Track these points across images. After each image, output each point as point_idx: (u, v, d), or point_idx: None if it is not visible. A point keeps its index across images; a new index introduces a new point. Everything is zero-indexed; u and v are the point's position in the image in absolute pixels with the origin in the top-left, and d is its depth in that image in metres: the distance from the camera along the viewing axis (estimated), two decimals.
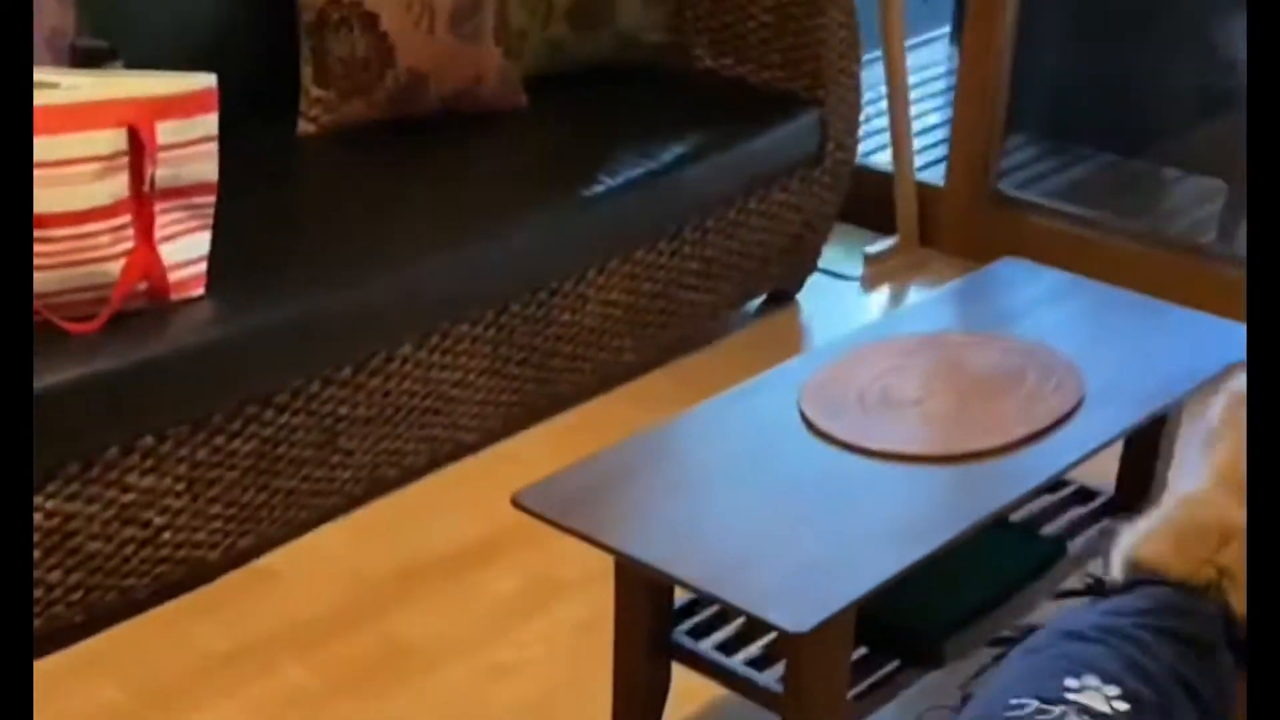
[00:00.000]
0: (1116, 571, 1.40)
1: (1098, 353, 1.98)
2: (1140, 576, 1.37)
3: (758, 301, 3.12)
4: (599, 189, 2.64)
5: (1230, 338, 2.02)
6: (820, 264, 3.14)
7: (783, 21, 2.91)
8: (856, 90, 2.98)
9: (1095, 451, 1.82)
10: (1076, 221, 3.22)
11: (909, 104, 3.24)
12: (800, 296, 3.15)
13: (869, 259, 3.28)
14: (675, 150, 2.77)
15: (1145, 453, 2.10)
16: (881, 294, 3.25)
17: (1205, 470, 1.41)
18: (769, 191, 2.91)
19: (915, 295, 3.25)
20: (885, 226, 3.32)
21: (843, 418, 1.88)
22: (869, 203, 3.26)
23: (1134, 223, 3.34)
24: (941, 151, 3.68)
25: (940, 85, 4.12)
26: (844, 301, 3.20)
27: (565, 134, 2.82)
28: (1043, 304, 2.12)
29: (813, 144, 2.94)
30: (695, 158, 2.77)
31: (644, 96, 2.96)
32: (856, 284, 3.25)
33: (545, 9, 2.91)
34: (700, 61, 3.06)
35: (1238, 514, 1.35)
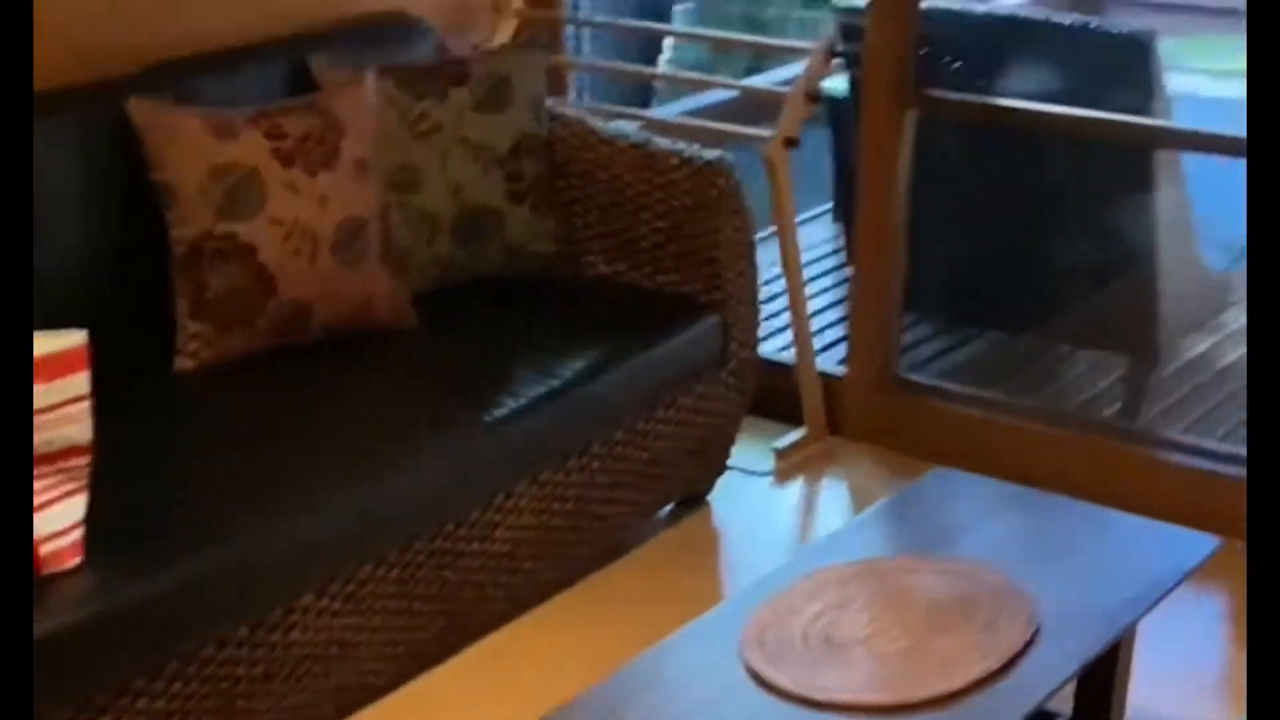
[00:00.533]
0: None
1: (1046, 572, 1.90)
2: None
3: (669, 506, 3.02)
4: (502, 410, 2.53)
5: (1178, 544, 1.96)
6: (730, 461, 3.05)
7: (675, 227, 2.86)
8: (754, 289, 2.93)
9: (1058, 689, 1.72)
10: (981, 404, 3.19)
11: (805, 296, 3.20)
12: (712, 497, 3.06)
13: (778, 453, 3.20)
14: (577, 364, 2.67)
15: (1103, 671, 2.01)
16: (795, 488, 3.16)
17: None
18: (675, 398, 2.83)
19: (828, 486, 3.18)
20: (792, 417, 3.25)
21: (788, 664, 1.76)
22: (773, 395, 3.19)
23: (1036, 401, 3.32)
24: (838, 332, 3.66)
25: (829, 264, 4.11)
26: (757, 499, 3.11)
27: (461, 353, 2.72)
28: (981, 518, 2.05)
29: (715, 346, 2.87)
30: (598, 370, 2.68)
31: (538, 308, 2.87)
32: (768, 479, 3.17)
33: (430, 226, 2.83)
34: (592, 269, 2.99)
35: None
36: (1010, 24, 3.21)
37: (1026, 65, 3.03)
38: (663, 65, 5.47)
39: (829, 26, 6.84)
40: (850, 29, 3.11)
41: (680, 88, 4.37)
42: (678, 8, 6.86)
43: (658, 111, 4.03)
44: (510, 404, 2.55)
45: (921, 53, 2.98)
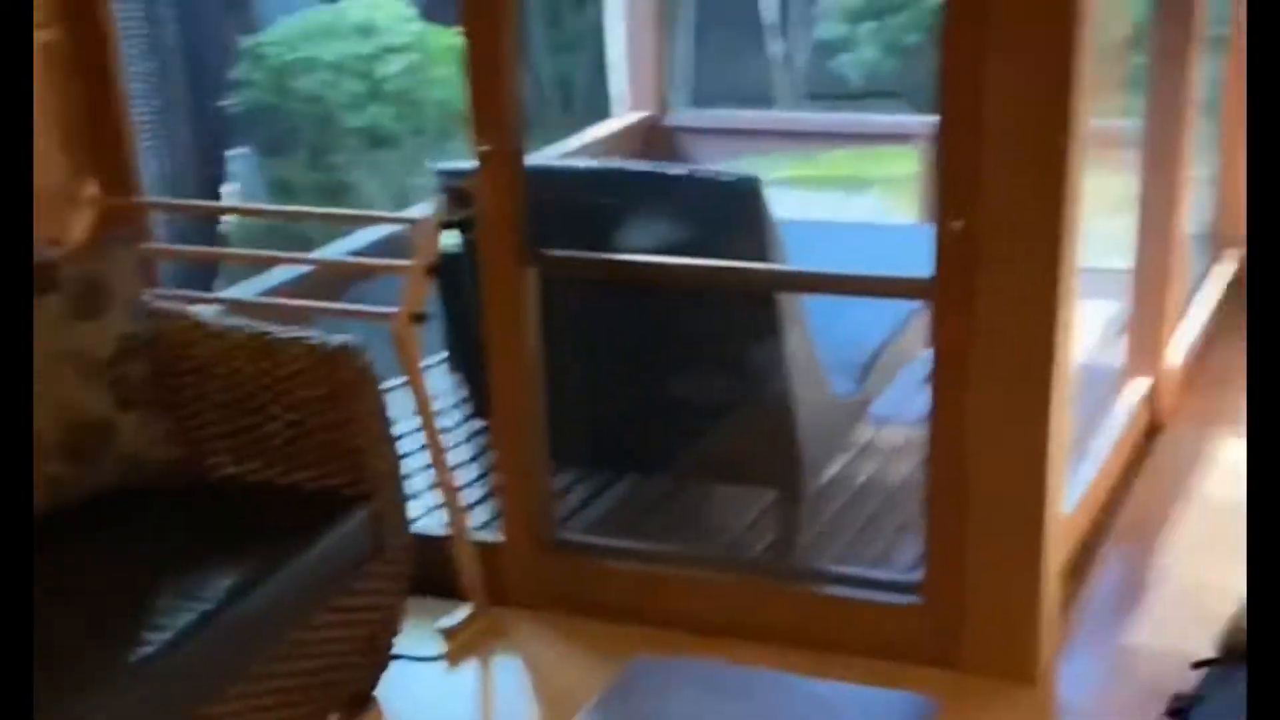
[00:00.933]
0: None
1: None
2: None
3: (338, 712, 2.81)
4: (146, 648, 2.29)
5: (897, 712, 1.95)
6: (397, 650, 2.88)
7: (308, 419, 2.68)
8: (398, 473, 2.79)
9: None
10: (642, 556, 3.15)
11: (448, 465, 3.08)
12: (383, 692, 2.87)
13: (445, 634, 3.06)
14: (222, 582, 2.45)
15: None
16: (468, 670, 3.02)
17: None
18: (332, 598, 2.64)
19: (503, 665, 3.05)
20: (454, 591, 3.12)
21: None
22: (430, 568, 3.05)
23: (696, 544, 3.30)
24: (479, 487, 3.57)
25: (457, 416, 4.02)
26: (430, 688, 2.95)
27: (88, 586, 2.45)
28: (694, 712, 1.98)
29: (368, 539, 2.70)
30: (247, 586, 2.47)
31: (169, 523, 2.63)
32: (440, 664, 3.02)
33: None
34: (219, 471, 2.77)
35: None
36: (619, 176, 3.22)
37: (643, 217, 3.05)
38: (226, 230, 5.24)
39: (407, 172, 6.81)
40: (456, 192, 3.06)
41: (265, 264, 4.04)
42: (233, 153, 6.63)
43: (240, 290, 3.75)
44: (154, 638, 2.31)
45: (535, 212, 2.96)
